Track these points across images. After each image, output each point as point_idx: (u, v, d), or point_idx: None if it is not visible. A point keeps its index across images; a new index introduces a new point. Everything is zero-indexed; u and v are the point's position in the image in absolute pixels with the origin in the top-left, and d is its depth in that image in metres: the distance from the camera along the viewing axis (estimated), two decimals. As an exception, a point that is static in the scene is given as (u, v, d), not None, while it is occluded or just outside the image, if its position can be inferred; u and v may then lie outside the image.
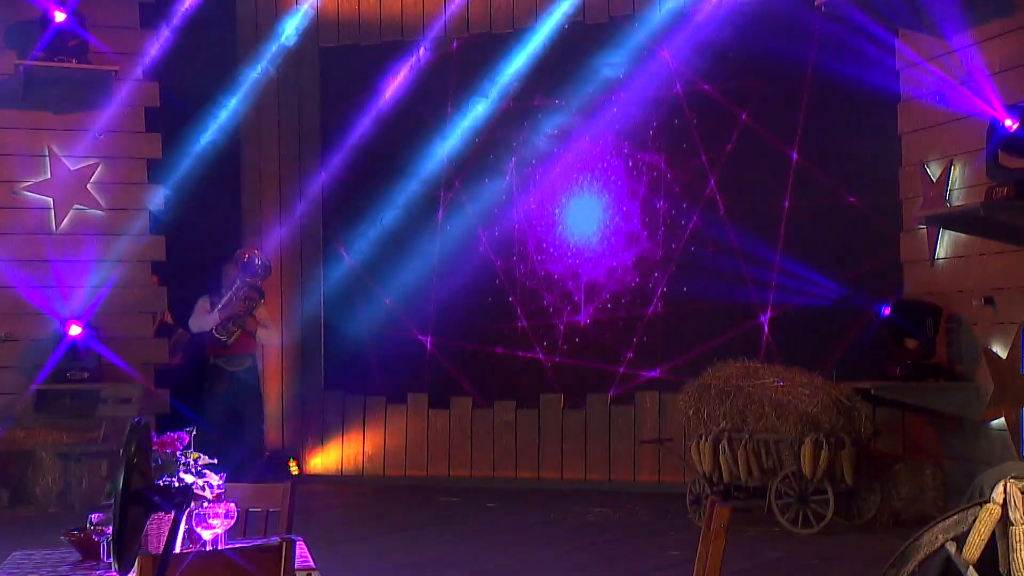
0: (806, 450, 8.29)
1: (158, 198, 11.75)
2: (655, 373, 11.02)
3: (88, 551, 3.92)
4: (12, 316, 11.22)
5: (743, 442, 8.53)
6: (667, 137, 11.02)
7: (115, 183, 11.62)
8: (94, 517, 3.95)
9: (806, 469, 8.32)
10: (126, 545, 2.64)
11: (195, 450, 3.95)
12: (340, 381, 12.11)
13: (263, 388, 11.61)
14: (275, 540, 3.17)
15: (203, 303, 11.07)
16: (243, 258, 11.14)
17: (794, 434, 8.39)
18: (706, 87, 10.81)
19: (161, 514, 3.53)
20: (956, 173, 8.92)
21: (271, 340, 11.49)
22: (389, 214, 11.79)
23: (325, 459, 12.10)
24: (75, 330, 11.15)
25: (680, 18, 10.74)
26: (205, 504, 3.72)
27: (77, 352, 11.20)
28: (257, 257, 11.17)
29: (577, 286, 11.37)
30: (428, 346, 11.70)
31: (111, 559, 3.45)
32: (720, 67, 10.64)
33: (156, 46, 11.65)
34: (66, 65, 11.14)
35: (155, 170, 11.76)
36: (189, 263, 11.55)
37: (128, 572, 2.77)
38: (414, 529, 9.43)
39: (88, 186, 11.54)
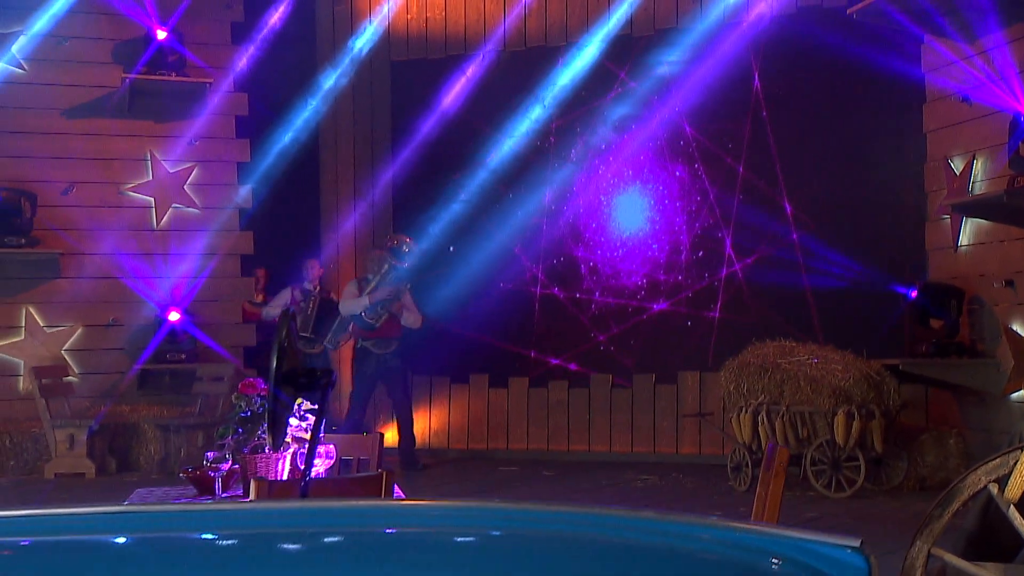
0: (839, 421, 8.21)
1: (246, 197, 11.80)
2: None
3: (204, 486, 3.91)
4: (118, 304, 11.33)
5: (780, 414, 8.46)
6: (720, 136, 10.85)
7: (208, 184, 11.69)
8: (209, 455, 3.95)
9: (839, 438, 8.24)
10: (278, 424, 2.60)
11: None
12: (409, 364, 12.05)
13: (409, 371, 10.92)
14: (378, 471, 3.15)
15: (351, 288, 10.49)
16: (392, 244, 10.56)
17: (828, 406, 8.31)
18: (739, 93, 10.65)
19: (272, 452, 3.51)
20: (978, 167, 8.80)
21: (415, 324, 10.52)
22: (452, 210, 11.69)
23: (394, 434, 12.10)
24: (174, 316, 11.25)
25: (720, 29, 10.62)
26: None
27: (175, 336, 11.30)
28: (406, 244, 10.52)
29: (628, 276, 11.26)
30: (487, 335, 11.58)
31: (220, 491, 3.44)
32: (753, 72, 10.50)
33: (244, 60, 11.71)
34: (166, 78, 11.26)
35: (243, 172, 11.82)
36: (273, 255, 11.60)
37: (278, 450, 2.74)
38: (482, 491, 9.40)
39: (185, 187, 11.62)
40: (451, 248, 11.53)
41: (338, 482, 3.06)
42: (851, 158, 10.20)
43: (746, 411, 8.57)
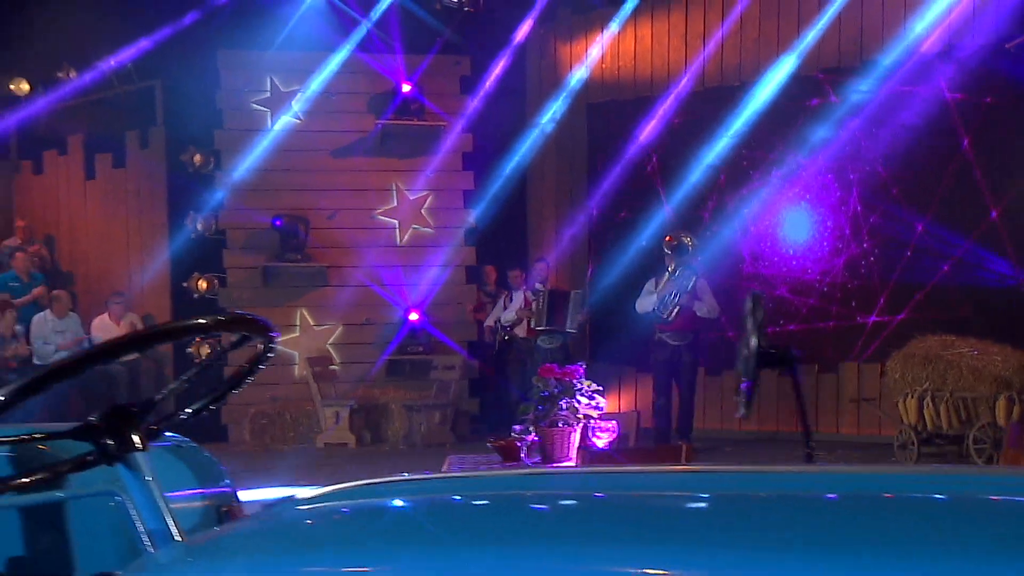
0: (1000, 405, 7.80)
1: (471, 219, 11.97)
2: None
3: (509, 454, 3.75)
4: (369, 306, 11.63)
5: (944, 399, 8.07)
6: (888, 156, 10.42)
7: (441, 208, 11.90)
8: (516, 428, 3.87)
9: (1000, 420, 7.82)
10: (757, 395, 2.49)
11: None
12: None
13: (699, 363, 9.86)
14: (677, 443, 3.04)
15: (649, 285, 9.45)
16: (672, 243, 9.42)
17: (989, 392, 7.90)
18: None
19: (567, 427, 3.46)
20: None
21: (712, 314, 9.33)
22: (643, 236, 11.39)
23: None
24: (413, 316, 11.49)
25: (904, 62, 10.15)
26: (592, 420, 3.66)
27: (415, 332, 11.53)
28: (685, 240, 9.45)
29: (804, 280, 10.93)
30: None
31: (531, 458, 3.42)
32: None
33: (471, 107, 11.89)
34: (409, 123, 11.54)
35: (469, 198, 11.98)
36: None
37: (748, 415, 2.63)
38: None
39: (422, 211, 11.86)
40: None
41: (643, 451, 2.97)
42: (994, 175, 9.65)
43: (912, 396, 8.22)
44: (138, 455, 1.54)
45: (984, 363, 7.97)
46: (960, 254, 9.74)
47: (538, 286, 10.55)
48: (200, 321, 1.59)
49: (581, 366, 3.81)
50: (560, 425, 3.46)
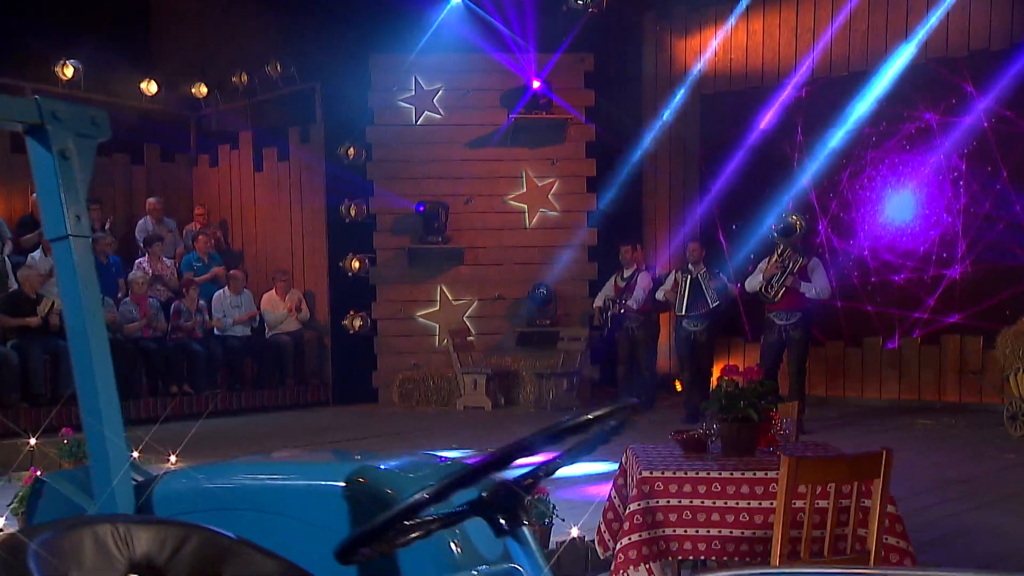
0: (1111, 381, 7.32)
1: (593, 204, 11.85)
2: (955, 319, 10.07)
3: (690, 447, 3.44)
4: (501, 283, 11.65)
5: (1054, 374, 7.63)
6: (968, 149, 9.96)
7: (566, 194, 11.81)
8: (701, 420, 3.59)
9: (1110, 396, 7.34)
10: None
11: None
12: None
13: (810, 340, 8.87)
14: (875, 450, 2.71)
15: (762, 264, 8.69)
16: (780, 225, 8.65)
17: (1100, 369, 7.42)
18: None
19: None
20: None
21: (822, 295, 8.44)
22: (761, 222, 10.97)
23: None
24: (540, 292, 11.43)
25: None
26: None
27: (542, 308, 11.49)
28: (794, 222, 8.59)
29: (894, 257, 10.51)
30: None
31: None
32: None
33: (593, 100, 11.75)
34: (538, 116, 11.46)
35: (591, 185, 11.85)
36: (611, 248, 11.53)
37: None
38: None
39: (548, 196, 11.79)
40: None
41: (832, 460, 2.71)
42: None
43: (1022, 371, 7.79)
44: (524, 529, 1.49)
45: (1094, 340, 7.47)
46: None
47: (690, 267, 9.42)
48: (587, 417, 1.47)
49: (759, 368, 3.49)
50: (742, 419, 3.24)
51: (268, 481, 1.72)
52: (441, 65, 11.50)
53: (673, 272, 9.52)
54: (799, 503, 2.60)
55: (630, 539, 2.99)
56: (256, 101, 12.28)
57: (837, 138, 10.78)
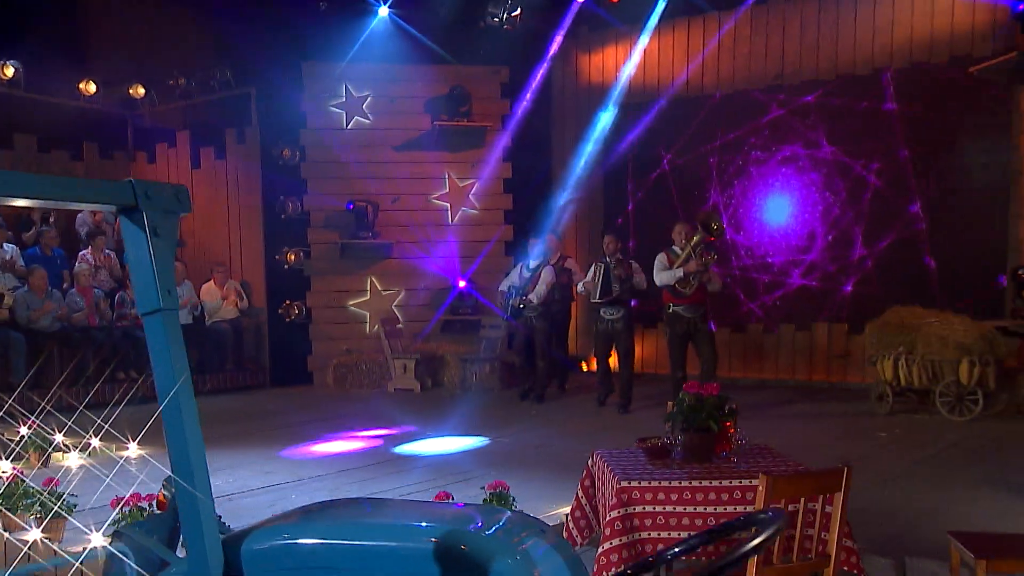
0: (963, 367, 7.72)
1: (509, 203, 11.82)
2: (824, 311, 10.50)
3: (654, 454, 3.40)
4: (426, 275, 11.51)
5: (915, 361, 7.99)
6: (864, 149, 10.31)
7: (485, 194, 11.74)
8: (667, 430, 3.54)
9: (963, 380, 7.75)
10: None
11: None
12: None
13: (713, 332, 8.50)
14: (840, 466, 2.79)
15: (662, 259, 8.11)
16: (702, 220, 8.10)
17: (954, 356, 7.81)
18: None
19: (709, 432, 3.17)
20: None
21: (716, 288, 8.17)
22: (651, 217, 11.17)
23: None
24: (462, 283, 11.39)
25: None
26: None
27: (463, 297, 11.44)
28: (715, 220, 8.09)
29: (784, 255, 10.86)
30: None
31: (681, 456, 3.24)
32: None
33: (509, 109, 11.70)
34: (459, 123, 11.33)
35: (507, 186, 11.82)
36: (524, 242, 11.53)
37: None
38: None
39: (469, 196, 11.71)
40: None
41: (803, 475, 2.76)
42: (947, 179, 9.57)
43: (888, 358, 8.16)
44: None
45: (949, 331, 7.89)
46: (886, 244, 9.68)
47: (607, 259, 8.71)
48: (752, 545, 1.42)
49: (717, 384, 3.49)
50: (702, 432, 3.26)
51: (356, 541, 1.65)
52: (369, 74, 11.25)
53: (593, 264, 9.04)
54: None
55: (611, 544, 3.00)
56: (194, 103, 11.76)
57: (720, 149, 11.08)
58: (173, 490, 1.86)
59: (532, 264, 9.60)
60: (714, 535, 1.50)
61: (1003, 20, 9.00)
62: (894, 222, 9.90)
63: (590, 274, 8.83)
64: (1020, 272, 8.24)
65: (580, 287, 9.11)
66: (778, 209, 10.82)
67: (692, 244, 7.99)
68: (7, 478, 4.65)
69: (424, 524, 1.64)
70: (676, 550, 1.49)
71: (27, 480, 4.79)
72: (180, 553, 1.92)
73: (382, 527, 1.67)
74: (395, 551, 1.60)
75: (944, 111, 9.51)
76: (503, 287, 9.88)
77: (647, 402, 8.80)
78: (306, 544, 1.64)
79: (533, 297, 9.41)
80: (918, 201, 9.74)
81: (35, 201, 1.47)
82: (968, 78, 8.78)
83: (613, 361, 8.96)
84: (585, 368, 11.92)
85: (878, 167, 10.06)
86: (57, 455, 6.26)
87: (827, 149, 10.42)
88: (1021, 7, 8.07)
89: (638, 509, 3.06)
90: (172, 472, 1.64)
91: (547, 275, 9.52)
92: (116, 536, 1.92)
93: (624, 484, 3.07)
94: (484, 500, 4.49)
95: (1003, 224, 9.13)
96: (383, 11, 11.10)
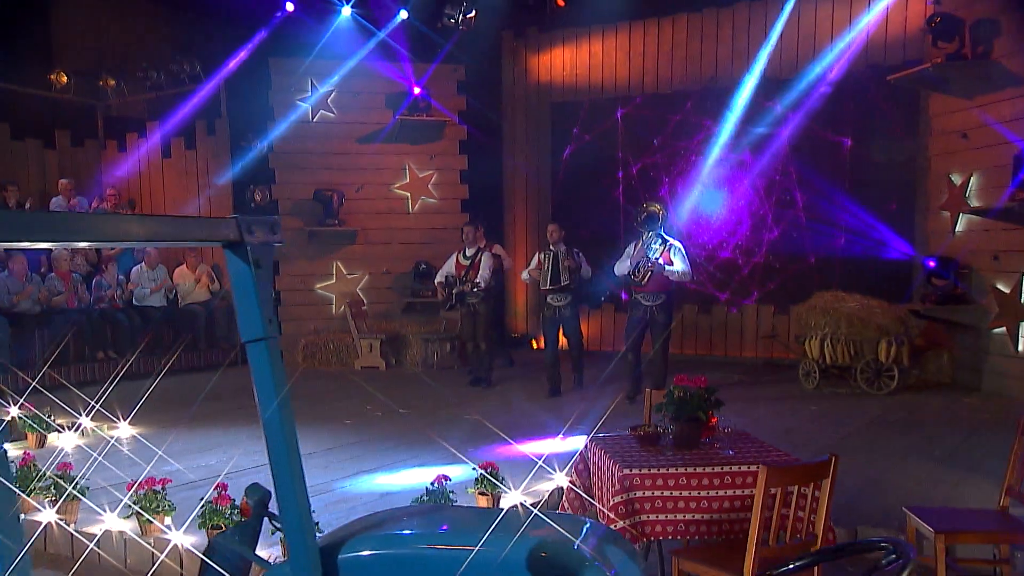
0: (882, 346, 7.97)
1: (465, 193, 11.73)
2: (755, 294, 10.72)
3: (645, 441, 3.40)
4: (389, 259, 11.40)
5: (840, 341, 8.18)
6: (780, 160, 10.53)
7: (443, 183, 11.64)
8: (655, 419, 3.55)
9: (882, 358, 8.01)
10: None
11: None
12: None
13: (671, 323, 7.97)
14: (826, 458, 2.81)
15: (629, 249, 7.92)
16: (644, 213, 7.83)
17: (873, 336, 8.07)
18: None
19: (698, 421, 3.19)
20: (973, 182, 8.42)
21: (683, 278, 7.75)
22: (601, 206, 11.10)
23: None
24: (423, 267, 11.22)
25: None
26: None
27: (425, 280, 11.27)
28: (655, 211, 7.78)
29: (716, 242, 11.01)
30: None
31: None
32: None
33: (465, 104, 11.58)
34: (419, 118, 11.18)
35: (463, 177, 11.72)
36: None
37: None
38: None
39: (428, 186, 11.59)
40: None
41: (796, 467, 2.79)
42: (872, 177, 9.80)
43: (815, 338, 8.35)
44: None
45: (869, 314, 8.14)
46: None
47: (555, 247, 8.34)
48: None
49: (704, 377, 3.50)
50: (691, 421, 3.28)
51: (451, 551, 1.62)
52: (333, 70, 10.99)
53: (537, 253, 8.69)
54: (768, 500, 2.73)
55: (616, 526, 3.04)
56: (165, 95, 11.31)
57: (662, 144, 11.15)
58: (256, 497, 1.81)
59: (469, 252, 9.22)
60: (841, 552, 1.50)
61: (913, 31, 9.26)
62: (813, 213, 10.14)
63: (534, 262, 8.53)
64: (929, 261, 8.53)
65: (525, 275, 8.77)
66: (713, 201, 10.97)
67: (642, 237, 7.85)
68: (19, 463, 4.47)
69: (509, 534, 1.62)
70: (797, 563, 1.51)
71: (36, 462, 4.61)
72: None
73: (468, 536, 1.64)
74: (486, 558, 1.58)
75: (860, 113, 9.76)
76: (440, 279, 9.39)
77: (597, 374, 8.78)
78: (398, 554, 1.61)
79: (480, 282, 9.04)
80: (837, 193, 9.98)
81: (151, 242, 1.40)
82: (884, 83, 9.01)
83: (563, 342, 8.71)
84: (535, 346, 11.96)
85: (800, 163, 10.29)
86: (52, 436, 6.03)
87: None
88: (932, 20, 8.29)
89: (639, 494, 3.10)
90: (273, 484, 1.61)
91: (487, 260, 9.15)
92: (210, 548, 1.86)
93: (626, 471, 3.10)
94: (476, 479, 4.51)
95: (911, 216, 9.43)
96: (346, 11, 10.83)
